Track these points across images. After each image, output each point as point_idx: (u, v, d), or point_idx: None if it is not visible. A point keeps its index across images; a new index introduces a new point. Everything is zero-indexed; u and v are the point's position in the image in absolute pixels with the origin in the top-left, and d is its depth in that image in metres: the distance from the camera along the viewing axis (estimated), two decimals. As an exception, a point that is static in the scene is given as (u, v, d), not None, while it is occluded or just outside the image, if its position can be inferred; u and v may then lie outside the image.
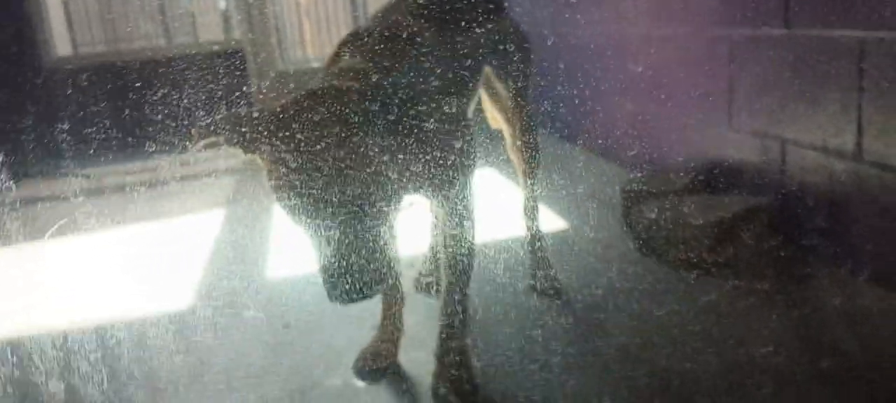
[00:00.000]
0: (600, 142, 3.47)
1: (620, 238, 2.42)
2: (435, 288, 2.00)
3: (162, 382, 1.72)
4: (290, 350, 1.86)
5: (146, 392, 1.65)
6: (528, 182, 2.05)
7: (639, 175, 2.84)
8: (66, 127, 4.55)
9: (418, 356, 1.74)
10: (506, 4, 2.05)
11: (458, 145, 1.51)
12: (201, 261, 2.59)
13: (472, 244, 1.58)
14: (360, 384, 1.68)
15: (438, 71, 1.55)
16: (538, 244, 2.10)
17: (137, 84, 4.46)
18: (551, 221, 2.62)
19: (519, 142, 1.99)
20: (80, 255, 2.82)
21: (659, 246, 2.23)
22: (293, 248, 2.31)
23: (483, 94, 1.96)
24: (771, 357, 1.63)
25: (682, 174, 2.58)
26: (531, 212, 2.07)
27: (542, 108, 3.71)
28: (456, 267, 1.56)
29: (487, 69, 1.89)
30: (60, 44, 6.09)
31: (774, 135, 2.23)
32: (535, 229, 2.09)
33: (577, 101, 3.55)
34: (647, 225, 2.29)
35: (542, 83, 3.55)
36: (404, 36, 1.53)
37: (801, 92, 2.09)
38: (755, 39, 2.28)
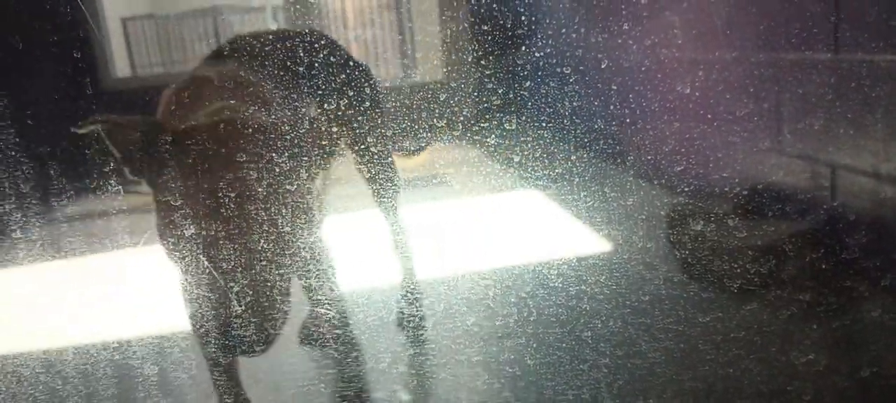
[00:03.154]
0: (650, 161, 3.51)
1: (667, 253, 2.48)
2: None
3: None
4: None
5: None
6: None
7: (686, 196, 2.89)
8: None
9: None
10: None
11: None
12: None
13: None
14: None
15: None
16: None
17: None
18: (601, 232, 2.71)
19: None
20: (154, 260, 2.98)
21: (705, 267, 2.27)
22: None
23: None
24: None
25: (730, 197, 2.58)
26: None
27: (596, 127, 3.75)
28: None
29: None
30: (120, 65, 6.36)
31: (824, 159, 2.22)
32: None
33: (628, 122, 3.61)
34: (693, 247, 2.33)
35: (596, 104, 3.63)
36: None
37: (850, 116, 2.08)
38: (803, 64, 2.28)
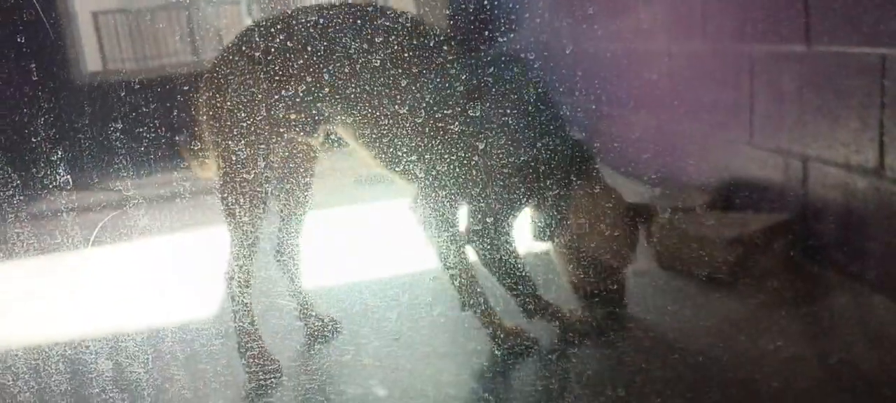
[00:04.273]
0: (618, 151, 3.50)
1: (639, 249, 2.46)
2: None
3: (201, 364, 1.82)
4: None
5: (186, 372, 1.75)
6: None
7: (659, 189, 2.88)
8: (93, 139, 4.65)
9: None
10: None
11: None
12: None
13: None
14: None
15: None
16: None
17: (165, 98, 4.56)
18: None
19: None
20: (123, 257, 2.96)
21: (679, 260, 2.26)
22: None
23: None
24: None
25: (703, 189, 2.60)
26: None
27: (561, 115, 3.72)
28: None
29: None
30: (91, 60, 6.26)
31: (796, 151, 2.22)
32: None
33: (594, 109, 3.59)
34: (667, 240, 2.31)
35: (561, 90, 3.61)
36: None
37: (823, 108, 2.08)
38: (776, 55, 2.27)
